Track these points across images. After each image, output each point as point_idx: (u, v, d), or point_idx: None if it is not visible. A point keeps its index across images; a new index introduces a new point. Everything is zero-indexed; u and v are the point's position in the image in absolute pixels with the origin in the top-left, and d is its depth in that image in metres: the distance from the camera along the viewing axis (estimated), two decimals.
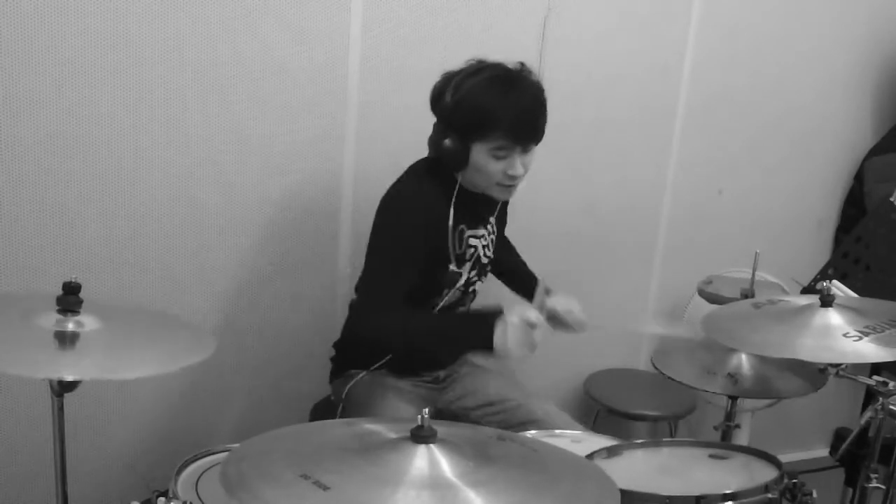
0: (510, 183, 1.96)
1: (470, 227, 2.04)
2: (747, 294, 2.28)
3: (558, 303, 2.08)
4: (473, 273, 2.09)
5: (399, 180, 2.02)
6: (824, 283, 1.88)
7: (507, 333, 1.85)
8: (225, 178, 2.28)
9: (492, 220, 2.14)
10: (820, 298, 1.83)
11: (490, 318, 1.88)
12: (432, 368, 2.20)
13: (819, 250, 3.21)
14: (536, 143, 1.97)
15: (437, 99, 1.95)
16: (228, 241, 2.32)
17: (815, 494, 1.60)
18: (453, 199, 1.98)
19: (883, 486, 1.80)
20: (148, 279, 2.26)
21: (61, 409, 1.44)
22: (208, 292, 2.33)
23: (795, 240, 3.20)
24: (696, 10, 2.80)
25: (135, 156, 2.18)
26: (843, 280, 2.24)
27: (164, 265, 2.27)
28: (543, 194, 2.51)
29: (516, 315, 1.86)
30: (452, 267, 2.02)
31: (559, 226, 2.78)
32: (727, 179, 3.03)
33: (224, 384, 2.42)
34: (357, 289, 2.12)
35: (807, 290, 2.38)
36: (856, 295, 2.12)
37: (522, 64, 1.96)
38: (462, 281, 2.06)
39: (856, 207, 3.20)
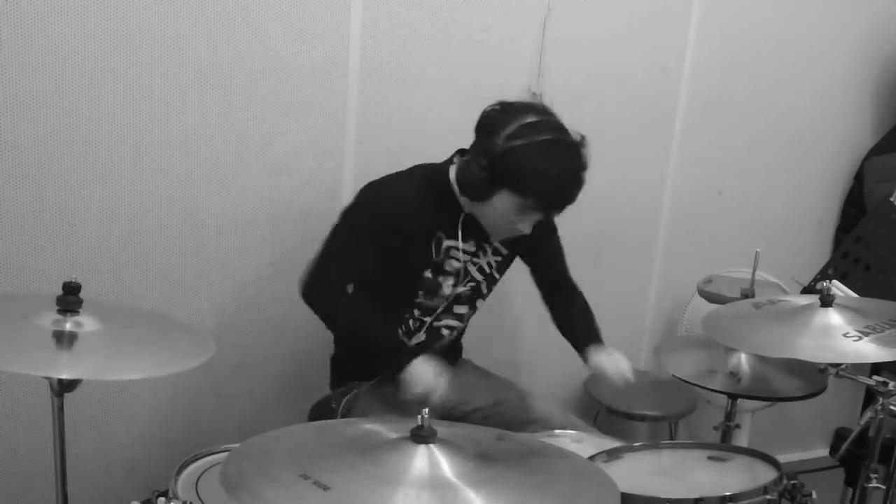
0: (513, 235, 1.98)
1: (450, 238, 2.02)
2: (747, 294, 2.28)
3: (607, 364, 2.06)
4: (465, 290, 2.09)
5: (396, 174, 2.03)
6: (824, 283, 1.88)
7: (415, 376, 1.86)
8: (225, 178, 2.28)
9: (495, 244, 2.11)
10: (820, 298, 1.83)
11: (412, 352, 1.91)
12: None
13: (819, 250, 3.21)
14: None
15: (486, 129, 1.90)
16: (228, 241, 2.32)
17: (814, 495, 1.61)
18: (455, 213, 2.00)
19: (883, 486, 1.80)
20: (148, 279, 2.26)
21: (61, 409, 1.44)
22: (208, 292, 2.33)
23: (795, 240, 3.20)
24: (696, 10, 2.79)
25: (135, 156, 2.18)
26: (843, 280, 2.24)
27: (164, 265, 2.27)
28: None
29: (427, 369, 1.87)
30: (427, 274, 2.03)
31: (559, 226, 2.78)
32: (727, 179, 3.03)
33: (224, 384, 2.42)
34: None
35: (807, 290, 2.38)
36: (856, 295, 2.12)
37: (583, 137, 1.94)
38: (446, 292, 2.05)
39: (856, 207, 3.20)
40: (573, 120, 2.69)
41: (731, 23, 2.86)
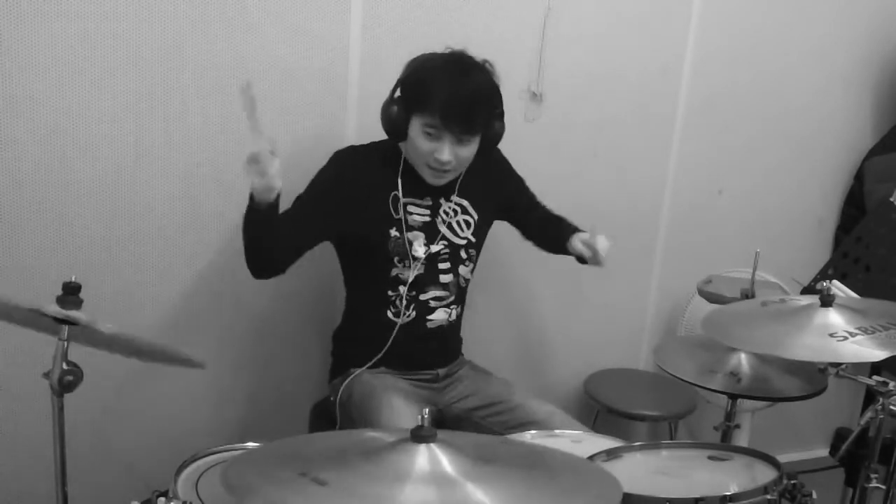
0: (437, 167, 2.00)
1: (407, 195, 2.08)
2: (747, 294, 2.28)
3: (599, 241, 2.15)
4: (439, 248, 2.10)
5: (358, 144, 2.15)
6: (824, 284, 1.88)
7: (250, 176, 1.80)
8: (225, 178, 2.27)
9: (455, 198, 2.14)
10: (820, 298, 1.83)
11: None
12: (431, 367, 2.20)
13: (819, 250, 3.21)
14: (472, 136, 2.00)
15: (403, 72, 2.03)
16: (228, 241, 2.32)
17: (814, 495, 1.60)
18: (395, 168, 2.07)
19: (883, 486, 1.80)
20: (148, 279, 2.26)
21: (61, 409, 1.43)
22: (208, 292, 2.33)
23: (795, 240, 3.20)
24: (696, 10, 2.80)
25: (135, 156, 2.18)
26: (843, 280, 2.24)
27: (164, 265, 2.27)
28: (543, 194, 2.50)
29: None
30: (394, 232, 2.05)
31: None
32: (727, 179, 3.03)
33: (224, 384, 2.42)
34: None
35: (807, 290, 2.38)
36: (856, 295, 2.12)
37: (487, 61, 2.03)
38: (419, 253, 2.08)
39: (856, 207, 3.20)
40: (573, 119, 2.70)
41: (731, 23, 2.86)
